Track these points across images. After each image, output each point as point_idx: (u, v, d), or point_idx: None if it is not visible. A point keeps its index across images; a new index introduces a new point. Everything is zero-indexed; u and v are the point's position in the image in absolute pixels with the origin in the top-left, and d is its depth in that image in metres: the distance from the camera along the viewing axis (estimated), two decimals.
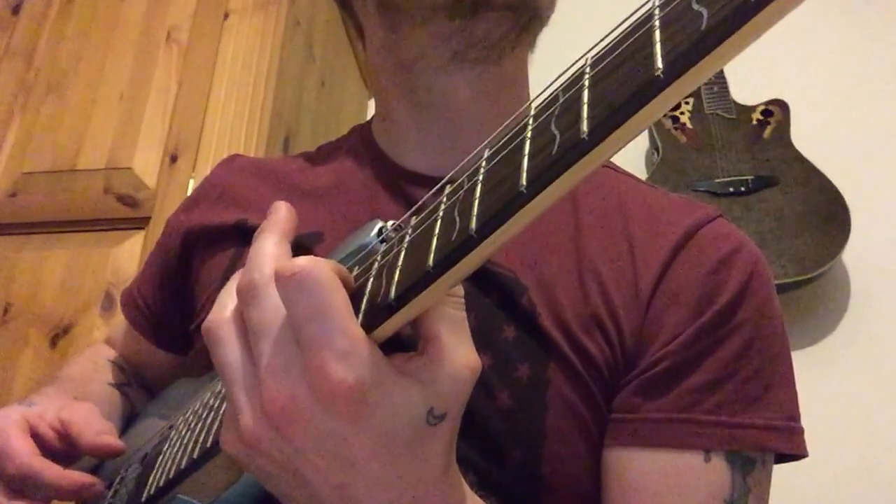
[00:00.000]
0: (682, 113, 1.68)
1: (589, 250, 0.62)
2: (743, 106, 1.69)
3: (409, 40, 0.67)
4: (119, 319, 0.87)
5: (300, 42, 1.62)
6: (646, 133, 1.73)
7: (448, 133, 0.69)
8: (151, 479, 0.56)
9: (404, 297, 0.34)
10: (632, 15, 0.30)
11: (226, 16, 1.55)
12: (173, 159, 1.42)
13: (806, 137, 1.63)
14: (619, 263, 0.61)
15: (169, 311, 0.80)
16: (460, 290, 0.39)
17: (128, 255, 1.36)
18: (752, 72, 1.73)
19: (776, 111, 1.67)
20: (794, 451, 0.58)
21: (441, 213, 0.35)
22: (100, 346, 0.90)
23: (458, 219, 0.33)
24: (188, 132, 1.44)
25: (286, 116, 1.52)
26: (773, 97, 1.71)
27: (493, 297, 0.61)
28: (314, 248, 0.66)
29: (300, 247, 0.65)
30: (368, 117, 2.20)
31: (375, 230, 0.44)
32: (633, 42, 0.29)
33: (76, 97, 1.53)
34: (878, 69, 1.80)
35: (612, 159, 0.72)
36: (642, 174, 1.64)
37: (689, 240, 0.62)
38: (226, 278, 0.68)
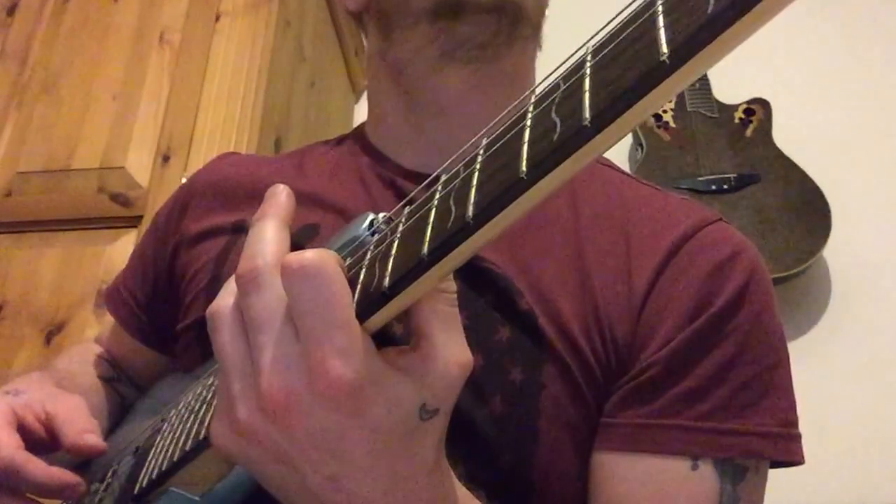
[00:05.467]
0: (665, 111, 1.69)
1: (587, 252, 0.61)
2: (725, 104, 1.70)
3: (399, 44, 0.70)
4: (109, 317, 0.86)
5: (290, 43, 1.64)
6: None
7: (441, 131, 0.70)
8: (144, 472, 0.56)
9: (398, 286, 0.34)
10: (631, 3, 0.29)
11: (217, 17, 1.56)
12: (165, 159, 1.44)
13: (787, 136, 1.64)
14: (615, 267, 0.60)
15: (157, 309, 0.79)
16: (453, 286, 0.38)
17: (120, 253, 1.38)
18: (734, 70, 1.75)
19: (758, 110, 1.68)
20: (788, 458, 0.56)
21: (436, 203, 0.35)
22: (89, 343, 0.89)
23: (453, 207, 0.33)
24: (180, 132, 1.46)
25: (277, 116, 1.53)
26: (754, 96, 1.72)
27: (489, 297, 0.60)
28: (309, 241, 0.65)
29: (293, 242, 0.66)
30: (355, 117, 2.20)
31: (367, 223, 0.43)
32: (634, 29, 0.28)
33: (70, 97, 1.54)
34: (859, 67, 1.81)
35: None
36: None
37: (685, 242, 0.61)
38: (216, 267, 0.69)
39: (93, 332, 1.27)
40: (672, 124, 1.67)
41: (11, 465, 0.57)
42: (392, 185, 0.70)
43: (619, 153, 1.77)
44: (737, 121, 1.67)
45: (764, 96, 1.71)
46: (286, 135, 1.57)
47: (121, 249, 1.39)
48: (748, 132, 1.65)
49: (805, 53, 1.86)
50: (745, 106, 1.70)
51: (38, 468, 0.58)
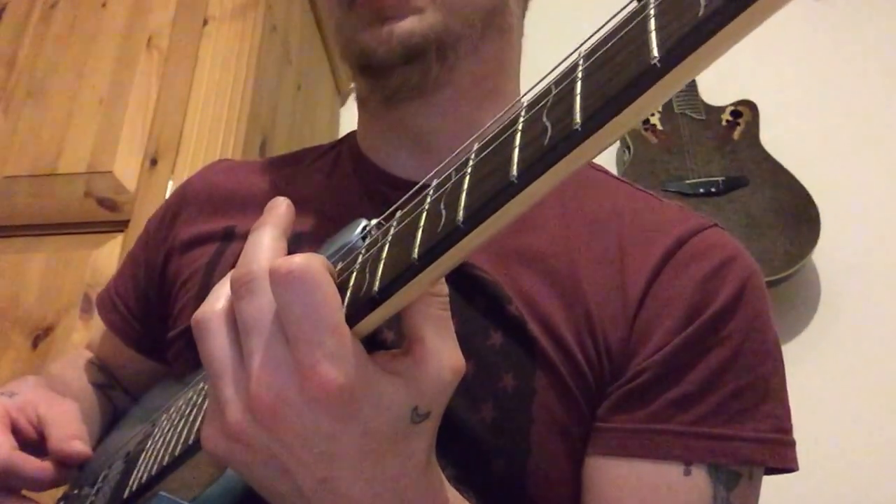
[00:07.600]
0: (652, 114, 1.69)
1: (579, 258, 0.61)
2: (712, 107, 1.70)
3: (357, 85, 0.73)
4: (99, 323, 0.86)
5: (277, 47, 1.64)
6: None
7: (423, 146, 0.69)
8: (133, 476, 0.56)
9: (388, 290, 0.34)
10: (625, 7, 0.29)
11: (205, 22, 1.56)
12: (153, 163, 1.44)
13: (775, 138, 1.64)
14: (608, 272, 0.60)
15: (149, 316, 0.79)
16: (445, 289, 0.39)
17: (107, 258, 1.38)
18: (720, 72, 1.75)
19: (745, 112, 1.67)
20: (782, 464, 0.56)
21: (427, 207, 0.35)
22: (81, 349, 0.90)
23: (444, 211, 0.33)
24: (168, 136, 1.46)
25: (263, 120, 1.53)
26: (741, 98, 1.71)
27: (479, 303, 0.60)
28: (300, 250, 0.64)
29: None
30: (340, 120, 2.20)
31: (359, 229, 0.44)
32: (627, 33, 0.28)
33: (57, 101, 1.54)
34: (846, 70, 1.82)
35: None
36: None
37: (679, 248, 0.61)
38: (206, 274, 0.69)
39: (79, 337, 1.27)
40: (659, 127, 1.67)
41: (10, 468, 0.59)
42: (381, 194, 0.70)
43: (607, 156, 1.77)
44: (724, 123, 1.66)
45: (751, 98, 1.71)
46: (272, 137, 1.57)
47: (108, 254, 1.38)
48: (735, 134, 1.64)
49: (792, 55, 1.86)
50: (731, 108, 1.69)
51: (34, 466, 0.60)
